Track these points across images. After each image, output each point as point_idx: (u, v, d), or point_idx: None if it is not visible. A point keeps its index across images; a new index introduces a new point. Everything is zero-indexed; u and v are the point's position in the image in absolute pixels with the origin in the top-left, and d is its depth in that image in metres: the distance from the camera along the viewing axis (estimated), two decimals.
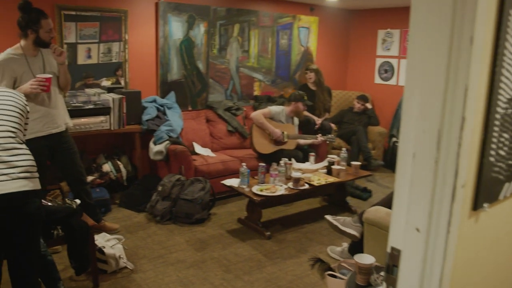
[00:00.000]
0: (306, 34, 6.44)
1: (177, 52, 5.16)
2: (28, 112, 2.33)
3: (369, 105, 6.22)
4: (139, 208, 4.34)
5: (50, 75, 3.19)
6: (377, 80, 6.82)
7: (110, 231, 3.83)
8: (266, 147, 4.89)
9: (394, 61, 6.57)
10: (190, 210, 4.04)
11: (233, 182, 4.03)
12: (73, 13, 4.41)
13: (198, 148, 4.96)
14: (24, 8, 3.15)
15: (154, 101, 4.92)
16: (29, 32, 3.17)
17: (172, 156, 4.46)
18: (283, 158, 4.23)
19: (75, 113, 4.12)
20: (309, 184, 4.03)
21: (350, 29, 7.10)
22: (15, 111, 2.20)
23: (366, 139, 5.84)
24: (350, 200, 4.76)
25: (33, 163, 2.15)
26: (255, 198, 3.69)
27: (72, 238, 2.72)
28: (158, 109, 4.84)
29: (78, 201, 3.08)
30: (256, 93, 6.03)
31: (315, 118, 5.49)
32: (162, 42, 5.01)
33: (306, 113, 5.57)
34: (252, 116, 4.96)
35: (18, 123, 2.20)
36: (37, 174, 2.16)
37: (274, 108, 5.03)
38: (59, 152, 3.46)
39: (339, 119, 6.26)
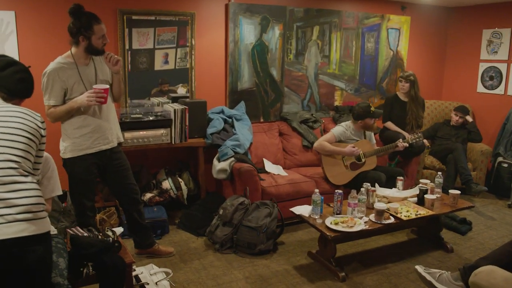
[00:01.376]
0: (396, 37, 5.68)
1: (248, 57, 4.69)
2: (42, 136, 1.93)
3: (469, 118, 5.34)
4: (199, 231, 3.91)
5: (107, 86, 2.89)
6: (480, 88, 5.88)
7: (164, 255, 3.48)
8: (343, 177, 4.21)
9: (502, 66, 5.59)
10: (253, 240, 3.53)
11: (303, 210, 3.45)
12: (153, 18, 4.15)
13: (268, 166, 4.45)
14: (75, 12, 2.84)
15: (222, 112, 4.50)
16: (81, 39, 2.87)
17: (237, 176, 3.98)
18: (364, 184, 3.56)
19: (133, 125, 3.83)
20: (395, 217, 3.34)
21: (448, 29, 6.20)
22: (21, 135, 1.80)
23: (465, 158, 4.96)
24: (445, 234, 3.97)
25: (39, 200, 1.73)
26: (328, 234, 3.08)
27: (105, 277, 2.33)
28: (225, 121, 4.41)
29: (119, 230, 2.69)
30: (337, 103, 5.41)
31: (405, 134, 4.74)
32: (232, 47, 4.57)
33: (395, 127, 4.86)
34: (315, 147, 4.26)
35: (25, 150, 1.79)
36: (43, 214, 1.73)
37: (337, 130, 4.28)
38: (110, 170, 3.14)
39: (432, 134, 5.44)
